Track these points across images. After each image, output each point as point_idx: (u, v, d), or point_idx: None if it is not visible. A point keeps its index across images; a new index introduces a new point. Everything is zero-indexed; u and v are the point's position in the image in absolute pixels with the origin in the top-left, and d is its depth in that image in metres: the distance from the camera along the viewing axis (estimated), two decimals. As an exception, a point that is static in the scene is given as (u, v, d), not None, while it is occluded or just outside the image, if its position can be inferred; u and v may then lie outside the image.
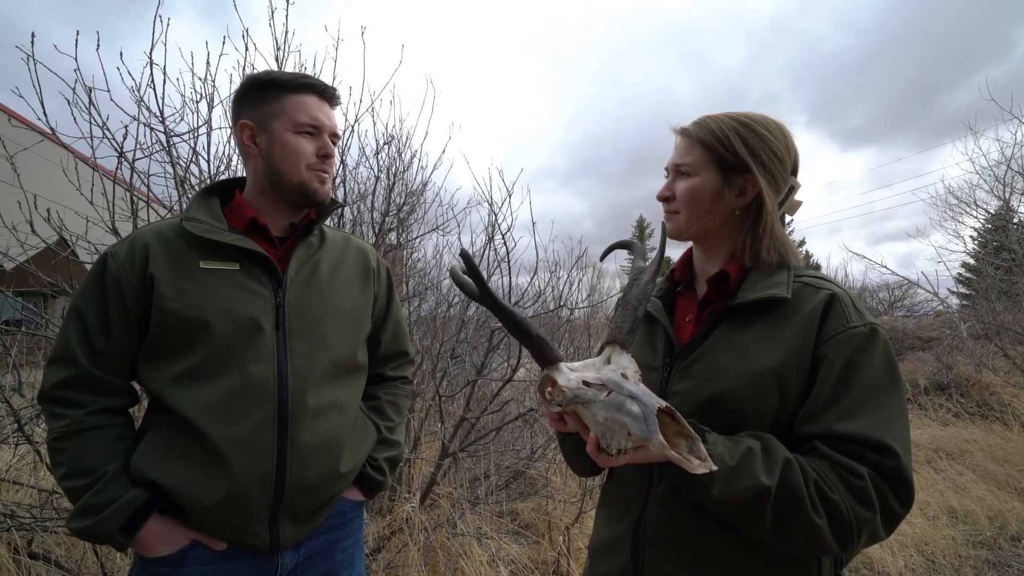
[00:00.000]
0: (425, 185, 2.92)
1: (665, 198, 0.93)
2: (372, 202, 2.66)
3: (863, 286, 10.30)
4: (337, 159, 2.69)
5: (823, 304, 0.77)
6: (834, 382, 0.73)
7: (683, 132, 0.91)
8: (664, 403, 0.67)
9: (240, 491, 0.93)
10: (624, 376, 0.72)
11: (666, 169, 0.95)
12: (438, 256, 3.38)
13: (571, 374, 0.75)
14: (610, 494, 0.97)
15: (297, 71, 1.12)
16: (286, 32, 2.32)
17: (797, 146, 0.91)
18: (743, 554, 0.76)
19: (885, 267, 6.72)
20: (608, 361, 0.78)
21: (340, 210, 1.15)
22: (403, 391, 1.32)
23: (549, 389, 0.76)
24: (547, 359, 0.77)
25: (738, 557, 0.77)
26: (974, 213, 7.96)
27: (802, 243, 31.90)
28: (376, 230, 2.67)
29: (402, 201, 2.80)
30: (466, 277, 0.81)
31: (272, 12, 2.26)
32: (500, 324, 0.80)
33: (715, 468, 0.64)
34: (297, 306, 1.04)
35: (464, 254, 0.78)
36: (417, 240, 3.18)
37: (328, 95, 1.11)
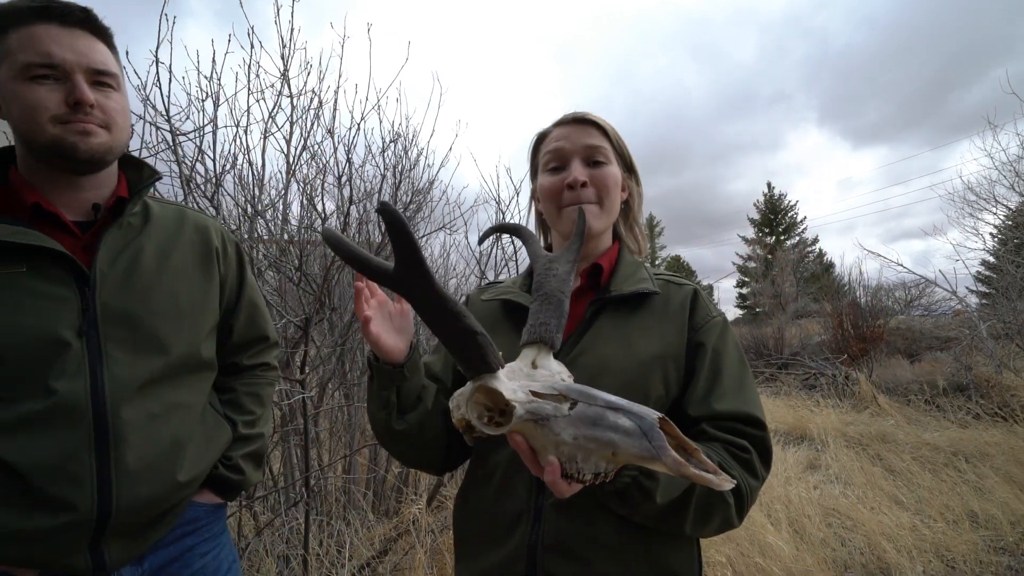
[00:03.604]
0: (432, 183, 2.91)
1: (584, 183, 0.88)
2: (378, 200, 2.64)
3: (878, 285, 10.09)
4: (342, 155, 2.72)
5: (689, 298, 0.87)
6: (709, 367, 0.81)
7: (590, 121, 0.92)
8: (660, 413, 0.58)
9: (49, 523, 0.80)
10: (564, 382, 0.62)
11: (555, 154, 0.91)
12: (445, 255, 3.36)
13: (511, 383, 0.61)
14: (481, 516, 0.86)
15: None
16: (292, 30, 2.31)
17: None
18: (638, 539, 0.77)
19: (901, 265, 6.60)
20: (533, 365, 0.66)
21: (160, 179, 1.02)
22: (265, 379, 1.18)
23: (486, 403, 0.62)
24: (490, 366, 0.61)
25: (635, 544, 0.77)
26: (993, 209, 7.81)
27: (815, 240, 31.48)
28: (382, 228, 2.64)
29: (408, 199, 2.79)
30: (349, 243, 0.58)
31: (278, 10, 2.25)
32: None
33: (736, 479, 0.58)
34: (114, 307, 0.88)
35: (383, 207, 0.53)
36: (424, 239, 3.17)
37: (69, 17, 0.84)
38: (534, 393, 0.60)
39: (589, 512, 0.76)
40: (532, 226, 1.08)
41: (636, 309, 0.85)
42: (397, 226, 0.53)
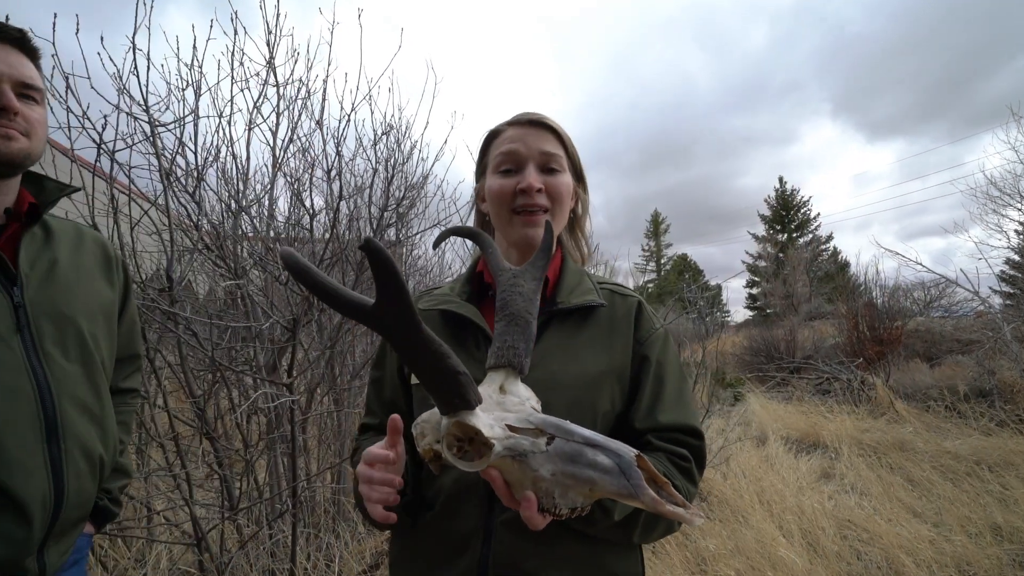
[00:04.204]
0: (426, 178, 2.84)
1: (539, 189, 0.86)
2: (370, 196, 2.56)
3: (896, 285, 9.81)
4: (332, 148, 2.64)
5: (634, 310, 0.88)
6: (653, 380, 0.83)
7: (546, 125, 0.89)
8: (635, 450, 0.58)
9: (14, 517, 0.83)
10: (535, 410, 0.63)
11: (508, 156, 0.87)
12: (440, 254, 3.26)
13: (486, 417, 0.60)
14: (426, 538, 0.83)
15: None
16: (278, 15, 2.21)
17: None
18: (589, 550, 0.78)
19: (920, 264, 6.41)
20: (501, 390, 0.65)
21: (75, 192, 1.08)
22: (132, 406, 1.19)
23: (456, 434, 0.60)
24: (469, 404, 0.59)
25: (586, 555, 0.78)
26: (1018, 205, 7.56)
27: (829, 238, 31.01)
28: (374, 226, 2.56)
29: (401, 195, 2.71)
30: (315, 272, 0.51)
31: (263, -7, 2.15)
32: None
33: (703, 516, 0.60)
34: (43, 305, 0.92)
35: (368, 243, 0.48)
36: (418, 236, 3.10)
37: (3, 34, 0.91)
38: (510, 427, 0.59)
39: (548, 528, 0.73)
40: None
41: (582, 322, 0.86)
42: (383, 263, 0.49)
